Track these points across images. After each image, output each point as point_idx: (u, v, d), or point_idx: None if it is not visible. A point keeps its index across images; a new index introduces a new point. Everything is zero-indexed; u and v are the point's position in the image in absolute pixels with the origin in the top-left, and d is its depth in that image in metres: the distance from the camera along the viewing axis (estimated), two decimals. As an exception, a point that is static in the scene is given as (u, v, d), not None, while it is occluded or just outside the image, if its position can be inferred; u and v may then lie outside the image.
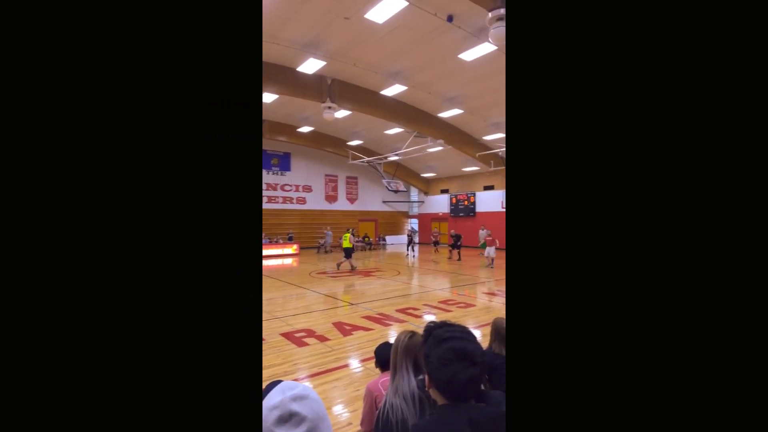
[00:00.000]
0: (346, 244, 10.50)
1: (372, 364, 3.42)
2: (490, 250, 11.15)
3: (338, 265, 10.72)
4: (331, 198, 18.79)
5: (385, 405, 1.15)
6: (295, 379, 2.72)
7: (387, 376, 1.37)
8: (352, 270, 10.30)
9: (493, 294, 7.29)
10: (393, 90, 10.23)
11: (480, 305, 6.37)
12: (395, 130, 13.67)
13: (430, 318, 5.54)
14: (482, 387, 1.03)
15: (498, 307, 6.16)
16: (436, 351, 0.81)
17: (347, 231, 11.11)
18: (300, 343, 4.34)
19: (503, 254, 14.38)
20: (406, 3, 6.34)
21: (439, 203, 20.42)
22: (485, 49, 7.72)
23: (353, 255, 10.86)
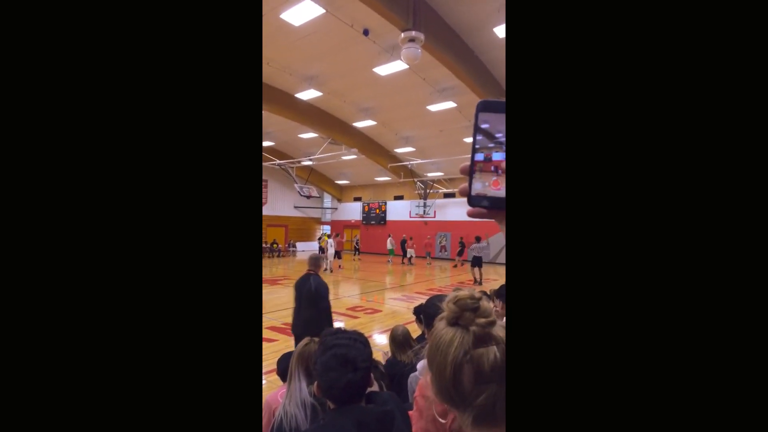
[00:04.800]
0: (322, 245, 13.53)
1: (274, 376, 3.27)
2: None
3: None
4: (238, 201, 17.50)
5: (279, 413, 1.13)
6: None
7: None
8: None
9: (399, 299, 7.61)
10: (308, 94, 10.08)
11: (386, 310, 6.60)
12: (309, 135, 13.44)
13: (337, 326, 5.53)
14: (382, 388, 1.08)
15: (402, 311, 6.45)
16: (322, 358, 0.85)
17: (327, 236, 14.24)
18: (193, 359, 3.95)
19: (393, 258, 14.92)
20: (324, 10, 6.36)
21: (352, 210, 20.64)
22: (398, 66, 8.14)
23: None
